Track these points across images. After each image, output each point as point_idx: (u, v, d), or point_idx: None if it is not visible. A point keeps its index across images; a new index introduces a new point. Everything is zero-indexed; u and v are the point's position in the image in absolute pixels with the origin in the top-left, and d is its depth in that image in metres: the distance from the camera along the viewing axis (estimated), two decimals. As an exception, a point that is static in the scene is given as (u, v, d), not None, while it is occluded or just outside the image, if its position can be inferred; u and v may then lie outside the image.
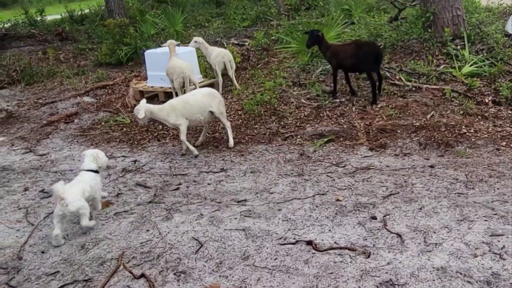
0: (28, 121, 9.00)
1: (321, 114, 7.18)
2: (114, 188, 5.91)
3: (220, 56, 8.70)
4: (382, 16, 12.81)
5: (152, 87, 8.91)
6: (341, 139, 6.50)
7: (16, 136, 8.34)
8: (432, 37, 8.60)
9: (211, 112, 6.53)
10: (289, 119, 7.30)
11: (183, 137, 6.46)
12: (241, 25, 14.99)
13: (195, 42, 8.88)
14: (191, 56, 8.82)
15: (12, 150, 7.75)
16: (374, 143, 6.25)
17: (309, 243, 4.26)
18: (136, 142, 7.45)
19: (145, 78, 10.22)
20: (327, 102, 7.36)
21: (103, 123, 8.36)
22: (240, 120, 7.54)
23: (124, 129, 8.01)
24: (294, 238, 4.38)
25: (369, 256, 3.95)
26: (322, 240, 4.30)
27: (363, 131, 6.56)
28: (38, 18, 20.02)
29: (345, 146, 6.30)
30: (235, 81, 8.88)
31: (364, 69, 7.40)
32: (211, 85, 8.52)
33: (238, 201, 5.19)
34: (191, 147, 6.58)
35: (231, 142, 6.71)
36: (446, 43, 8.54)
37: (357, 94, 7.68)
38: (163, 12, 14.12)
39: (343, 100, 7.50)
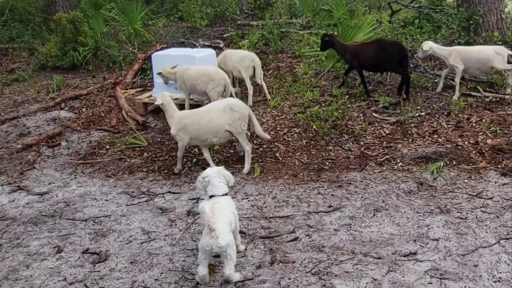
0: (-10, 145, 6.95)
1: (409, 132, 6.21)
2: (195, 241, 4.43)
3: (248, 59, 7.37)
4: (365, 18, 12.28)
5: (161, 98, 7.28)
6: (454, 162, 5.59)
7: (-18, 167, 6.32)
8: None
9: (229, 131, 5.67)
10: (368, 138, 6.25)
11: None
12: (202, 24, 13.65)
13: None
14: (212, 60, 7.39)
15: (-11, 188, 5.79)
16: (498, 166, 5.43)
17: None
18: (172, 172, 5.90)
19: (132, 86, 8.59)
20: (406, 116, 6.41)
21: (107, 147, 6.64)
22: (304, 140, 6.31)
23: (145, 154, 6.40)
24: (539, 309, 3.36)
25: None
26: None
27: (474, 151, 5.72)
28: None
29: (466, 171, 5.40)
30: (266, 91, 7.58)
31: (388, 70, 7.41)
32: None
33: (405, 255, 4.04)
34: (179, 165, 5.91)
35: (246, 168, 5.78)
36: (494, 49, 8.09)
37: (373, 97, 7.28)
38: (118, 6, 12.23)
39: (422, 113, 6.60)
